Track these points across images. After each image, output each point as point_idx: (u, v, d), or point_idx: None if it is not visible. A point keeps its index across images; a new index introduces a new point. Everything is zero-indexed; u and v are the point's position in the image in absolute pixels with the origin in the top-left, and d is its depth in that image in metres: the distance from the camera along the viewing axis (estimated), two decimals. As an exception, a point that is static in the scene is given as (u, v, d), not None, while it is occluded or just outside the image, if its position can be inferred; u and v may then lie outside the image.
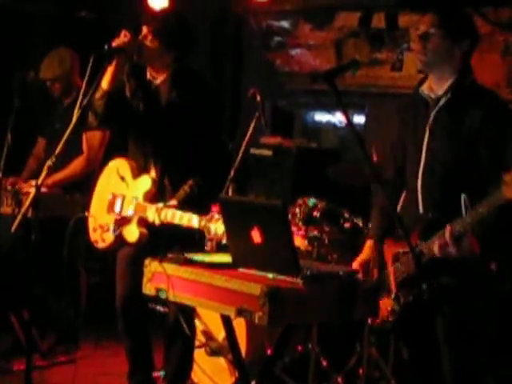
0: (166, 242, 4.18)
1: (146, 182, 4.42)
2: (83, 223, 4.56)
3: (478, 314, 3.63)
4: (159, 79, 4.45)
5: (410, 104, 3.83)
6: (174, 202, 4.29)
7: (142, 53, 4.35)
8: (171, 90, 4.40)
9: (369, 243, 3.90)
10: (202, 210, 4.11)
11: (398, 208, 3.81)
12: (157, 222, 4.21)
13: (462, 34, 3.66)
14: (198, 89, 4.42)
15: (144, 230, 4.33)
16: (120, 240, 4.42)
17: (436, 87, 3.69)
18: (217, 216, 3.92)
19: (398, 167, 3.87)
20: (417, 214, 3.67)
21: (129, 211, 4.40)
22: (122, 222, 4.40)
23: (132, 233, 4.36)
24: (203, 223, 3.98)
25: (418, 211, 3.67)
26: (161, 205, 4.24)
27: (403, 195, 3.82)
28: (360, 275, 3.76)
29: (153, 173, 4.43)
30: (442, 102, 3.65)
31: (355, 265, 3.84)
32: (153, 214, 4.23)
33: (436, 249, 3.48)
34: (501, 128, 3.53)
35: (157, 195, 4.38)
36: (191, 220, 4.07)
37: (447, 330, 3.61)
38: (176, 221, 4.14)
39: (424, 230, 3.58)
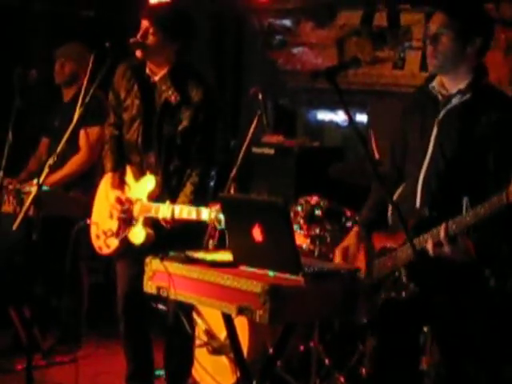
0: (166, 241, 4.17)
1: (149, 183, 4.40)
2: (86, 224, 4.55)
3: (470, 323, 3.57)
4: (159, 75, 4.43)
5: (416, 102, 3.75)
6: (182, 197, 4.29)
7: (145, 48, 4.34)
8: (169, 87, 4.39)
9: (355, 229, 3.86)
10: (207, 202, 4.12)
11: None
12: (169, 217, 4.19)
13: (474, 33, 3.51)
14: (194, 87, 4.38)
15: (150, 231, 4.32)
16: (125, 244, 4.41)
17: (449, 86, 3.58)
18: None
19: (396, 166, 3.84)
20: (413, 207, 3.59)
21: (133, 213, 4.38)
22: (127, 224, 4.40)
23: (138, 234, 4.35)
24: (213, 215, 3.97)
25: (415, 205, 3.60)
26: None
27: (400, 189, 3.77)
28: (338, 259, 3.76)
29: (157, 177, 4.40)
30: (456, 101, 3.54)
31: (337, 250, 3.80)
32: (165, 210, 4.21)
33: (430, 247, 3.40)
34: None
35: (160, 195, 4.37)
36: (200, 213, 4.06)
37: (438, 338, 3.59)
38: (186, 216, 4.13)
39: (417, 225, 3.51)
